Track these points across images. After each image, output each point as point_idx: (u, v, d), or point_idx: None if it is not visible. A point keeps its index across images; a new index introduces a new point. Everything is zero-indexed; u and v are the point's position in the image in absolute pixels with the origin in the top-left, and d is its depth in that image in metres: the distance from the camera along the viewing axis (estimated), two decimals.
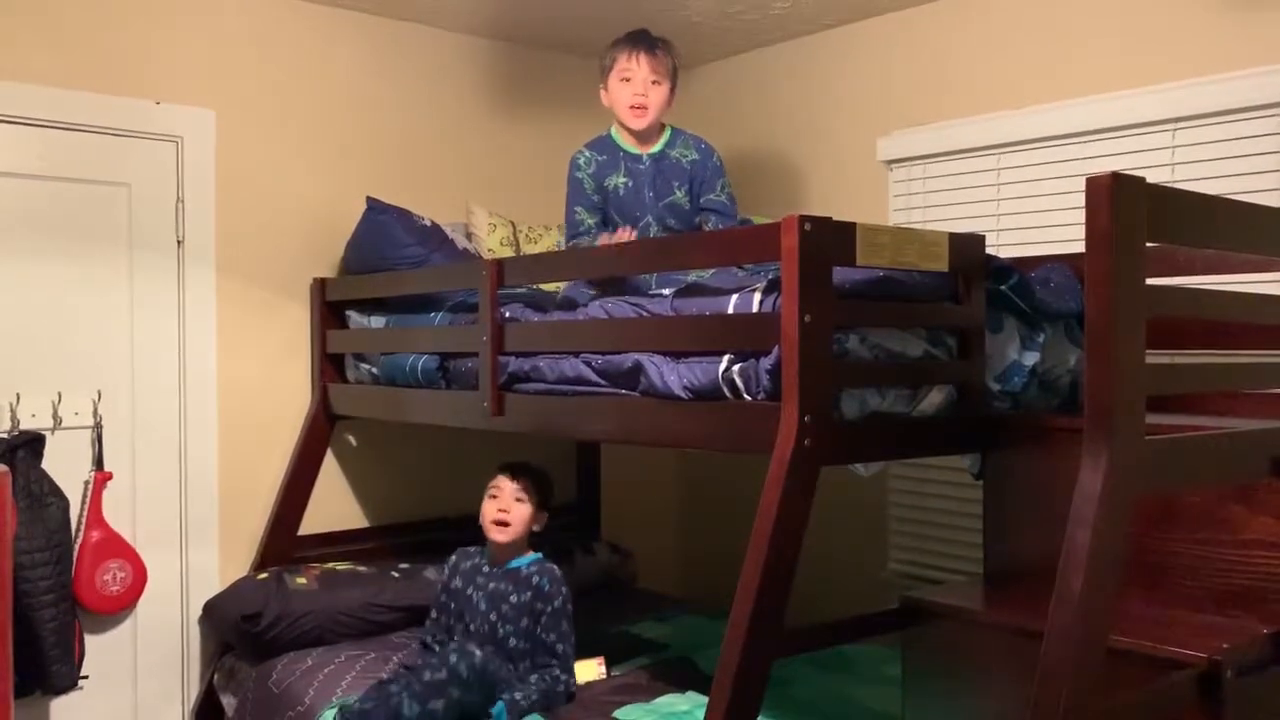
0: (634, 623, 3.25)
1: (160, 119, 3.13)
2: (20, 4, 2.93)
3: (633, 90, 2.82)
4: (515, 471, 2.75)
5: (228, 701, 3.04)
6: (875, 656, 2.83)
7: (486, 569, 2.74)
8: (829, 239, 1.89)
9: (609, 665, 2.80)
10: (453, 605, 2.77)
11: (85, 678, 2.96)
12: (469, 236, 3.47)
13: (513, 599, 2.65)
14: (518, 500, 2.70)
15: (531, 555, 2.74)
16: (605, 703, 2.55)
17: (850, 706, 2.56)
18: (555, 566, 2.73)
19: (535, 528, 2.74)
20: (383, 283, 3.16)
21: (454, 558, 2.84)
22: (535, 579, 2.67)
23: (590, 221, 2.88)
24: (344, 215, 3.34)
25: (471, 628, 2.67)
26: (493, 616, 2.65)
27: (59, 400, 2.98)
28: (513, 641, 2.62)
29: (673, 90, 2.89)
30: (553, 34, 3.77)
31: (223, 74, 3.25)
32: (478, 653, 2.49)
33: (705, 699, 1.99)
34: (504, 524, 2.69)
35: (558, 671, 2.60)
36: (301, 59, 3.40)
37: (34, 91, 2.93)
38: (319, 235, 3.42)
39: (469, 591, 2.73)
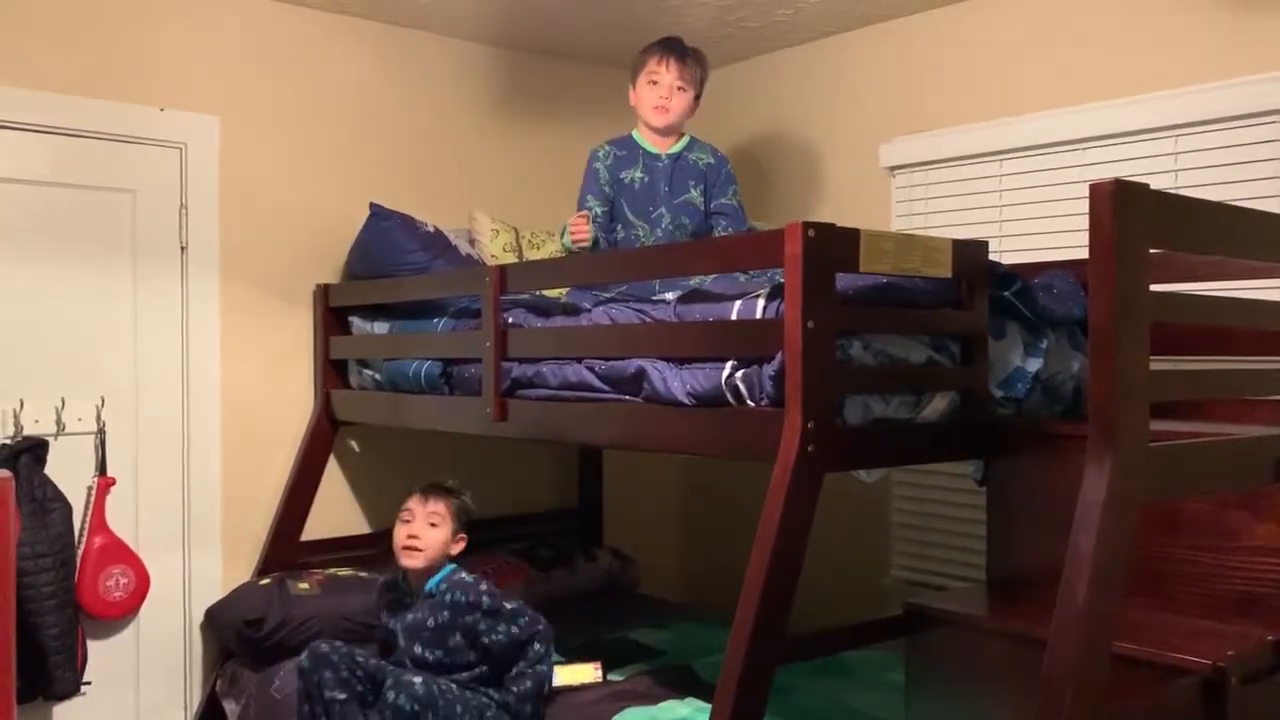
0: (633, 628, 3.24)
1: (164, 125, 3.14)
2: (26, 11, 2.93)
3: (658, 94, 2.93)
4: (429, 494, 2.65)
5: (230, 708, 3.04)
6: (877, 662, 2.82)
7: (407, 599, 2.66)
8: (832, 245, 1.89)
9: (605, 670, 2.79)
10: (387, 640, 2.70)
11: (88, 683, 2.95)
12: (472, 242, 3.48)
13: (430, 624, 2.58)
14: (431, 525, 2.61)
15: (442, 571, 2.64)
16: (605, 708, 2.54)
17: (852, 713, 2.55)
18: (464, 574, 2.63)
19: (453, 551, 2.65)
20: (386, 289, 3.16)
21: (380, 590, 2.76)
22: (448, 596, 2.58)
23: (598, 210, 2.94)
24: (347, 221, 3.34)
25: (406, 663, 2.60)
26: (416, 649, 2.59)
27: (62, 406, 2.98)
28: (452, 659, 2.56)
29: (697, 99, 3.00)
30: (556, 41, 3.77)
31: (227, 80, 3.26)
32: (416, 680, 2.47)
33: (706, 705, 1.99)
34: (415, 549, 2.60)
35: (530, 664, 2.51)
36: (305, 65, 3.41)
37: (39, 98, 2.94)
38: (322, 241, 3.42)
39: (392, 626, 2.66)
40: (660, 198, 2.94)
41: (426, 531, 2.62)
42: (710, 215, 3.00)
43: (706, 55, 3.03)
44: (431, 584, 2.63)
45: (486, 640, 2.54)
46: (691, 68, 2.95)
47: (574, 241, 2.87)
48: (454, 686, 2.52)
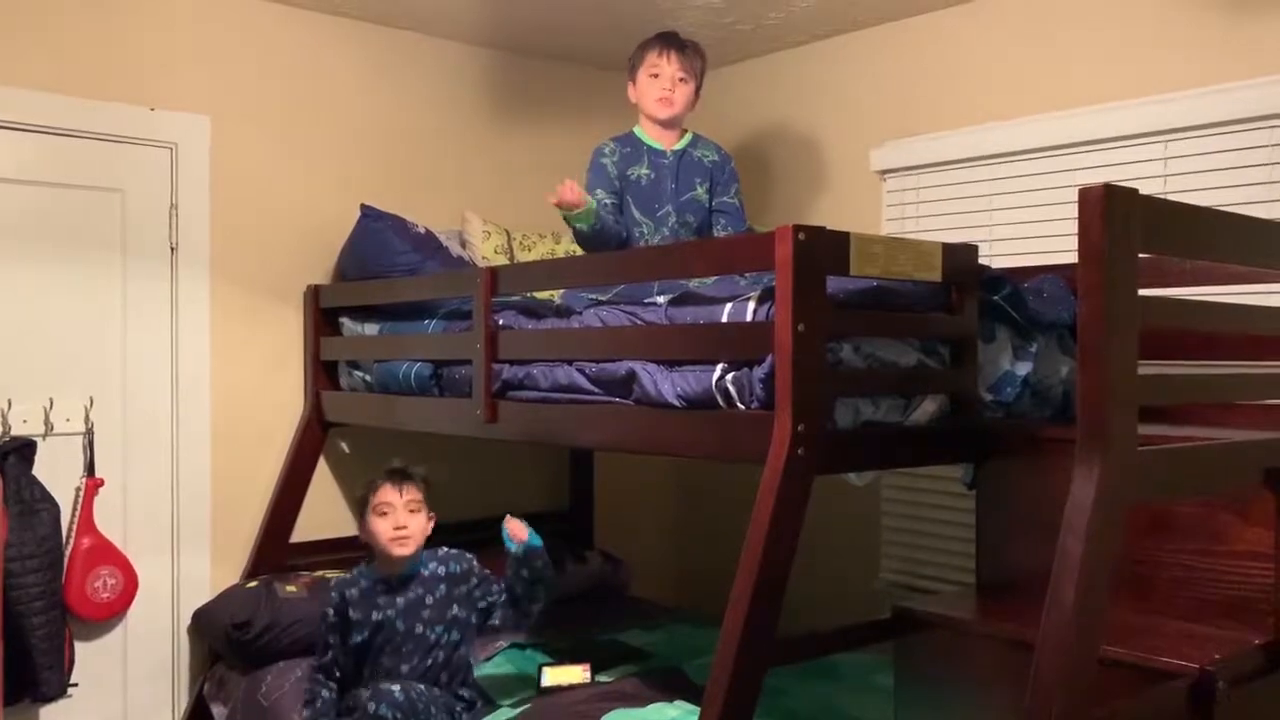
0: (622, 630, 3.24)
1: (155, 125, 3.13)
2: (16, 10, 2.92)
3: (660, 86, 2.91)
4: (401, 483, 2.64)
5: (218, 711, 3.03)
6: (866, 665, 2.82)
7: (386, 587, 2.61)
8: (823, 249, 1.89)
9: (594, 671, 2.79)
10: (363, 638, 2.58)
11: (75, 685, 2.94)
12: (463, 244, 3.47)
13: (429, 600, 2.60)
14: (412, 512, 2.61)
15: (424, 554, 2.66)
16: (593, 708, 2.54)
17: (841, 716, 2.55)
18: (444, 548, 2.69)
19: (428, 532, 2.67)
20: (377, 290, 3.15)
21: (347, 590, 2.62)
22: (441, 569, 2.64)
23: (607, 200, 2.88)
24: (339, 222, 3.34)
25: (405, 650, 2.57)
26: (418, 629, 2.58)
27: (50, 406, 2.97)
28: (449, 635, 2.59)
29: (698, 91, 2.98)
30: (548, 43, 3.77)
31: (218, 80, 3.25)
32: (395, 688, 2.46)
33: (695, 708, 1.99)
34: (405, 538, 2.59)
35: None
36: (297, 66, 3.40)
37: (29, 97, 2.93)
38: (313, 242, 3.41)
39: (377, 618, 2.58)
40: (666, 196, 2.92)
41: (410, 520, 2.61)
42: (712, 213, 2.99)
43: (704, 48, 3.01)
44: (419, 566, 2.64)
45: (484, 604, 2.64)
46: (691, 59, 2.93)
47: (571, 209, 2.69)
48: (429, 691, 2.52)
